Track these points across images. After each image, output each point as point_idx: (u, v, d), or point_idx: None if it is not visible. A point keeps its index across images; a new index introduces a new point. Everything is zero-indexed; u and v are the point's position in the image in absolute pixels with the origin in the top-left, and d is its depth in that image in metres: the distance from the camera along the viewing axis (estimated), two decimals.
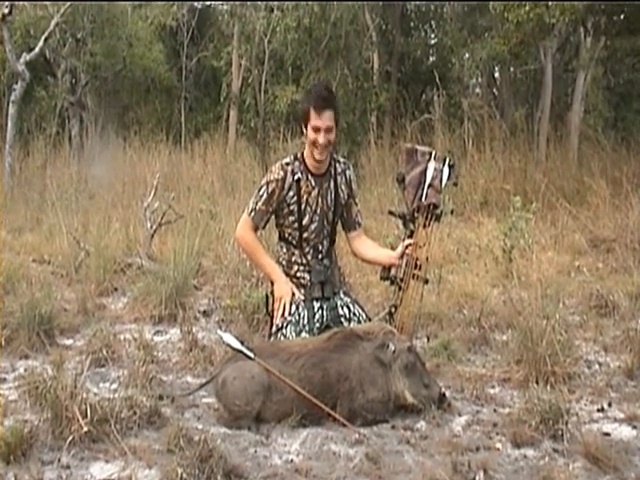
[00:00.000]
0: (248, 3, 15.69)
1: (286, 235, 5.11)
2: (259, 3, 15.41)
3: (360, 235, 5.34)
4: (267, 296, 5.21)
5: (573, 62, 16.88)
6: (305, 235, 5.06)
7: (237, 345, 4.37)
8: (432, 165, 4.96)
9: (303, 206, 5.01)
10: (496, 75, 19.37)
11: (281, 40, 14.68)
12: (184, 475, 3.30)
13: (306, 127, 4.92)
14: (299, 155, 5.06)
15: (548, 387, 4.49)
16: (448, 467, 3.52)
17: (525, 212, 7.57)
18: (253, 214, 5.03)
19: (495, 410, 4.47)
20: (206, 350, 5.31)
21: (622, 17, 13.74)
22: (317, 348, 4.31)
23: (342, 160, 5.26)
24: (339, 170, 5.15)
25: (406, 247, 5.00)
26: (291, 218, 5.04)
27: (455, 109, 18.35)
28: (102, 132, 17.25)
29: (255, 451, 3.84)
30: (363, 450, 3.83)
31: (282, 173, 4.97)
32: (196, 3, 20.93)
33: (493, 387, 4.86)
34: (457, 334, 5.65)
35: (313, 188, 5.01)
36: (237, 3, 16.32)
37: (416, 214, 4.99)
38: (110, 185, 11.69)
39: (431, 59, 20.68)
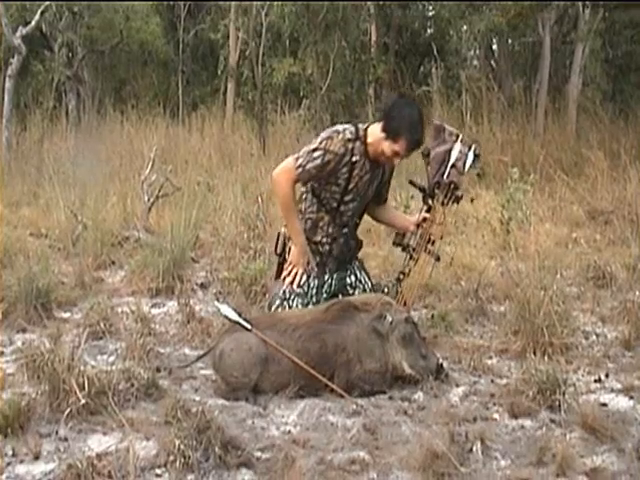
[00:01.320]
0: None
1: (322, 198, 5.00)
2: None
3: (385, 203, 5.37)
4: (278, 234, 5.15)
5: (571, 34, 16.75)
6: (342, 209, 5.01)
7: (234, 316, 4.37)
8: (458, 147, 4.97)
9: (351, 186, 4.93)
10: (494, 47, 19.26)
11: (278, 12, 14.58)
12: (181, 447, 3.31)
13: (387, 137, 4.79)
14: (361, 134, 4.90)
15: (545, 358, 4.52)
16: (445, 438, 3.52)
17: (523, 184, 7.56)
18: (300, 170, 4.84)
19: (492, 381, 4.50)
20: (203, 322, 5.32)
21: None
22: (314, 319, 4.31)
23: None
24: None
25: (423, 219, 5.03)
26: (335, 188, 4.94)
27: (453, 81, 18.26)
28: (99, 106, 17.19)
29: (253, 422, 3.86)
30: (360, 421, 3.86)
31: (343, 149, 4.83)
32: None
33: (490, 358, 4.87)
34: (455, 305, 5.65)
35: (366, 173, 4.94)
36: None
37: (436, 190, 4.98)
38: (107, 159, 11.65)
39: (429, 31, 20.56)
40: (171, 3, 20.50)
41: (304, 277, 4.94)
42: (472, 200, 5.25)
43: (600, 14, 14.67)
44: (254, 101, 14.84)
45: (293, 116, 15.08)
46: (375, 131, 4.87)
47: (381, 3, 17.40)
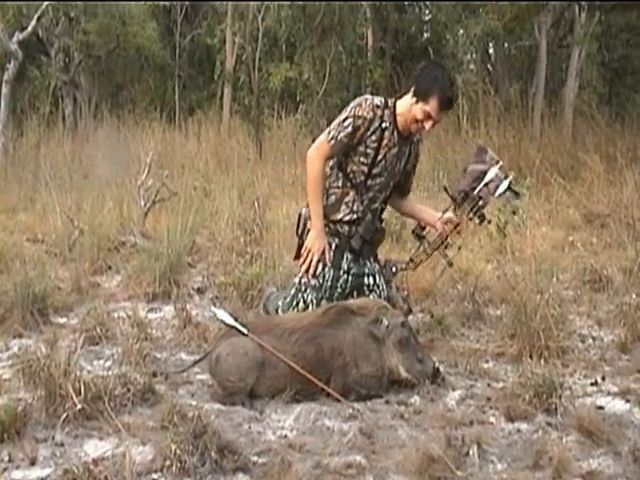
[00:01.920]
0: None
1: (350, 172, 4.97)
2: None
3: (406, 197, 5.38)
4: (300, 215, 5.13)
5: (567, 38, 16.82)
6: (369, 183, 4.97)
7: (230, 321, 4.38)
8: (495, 170, 5.01)
9: (380, 157, 4.91)
10: (490, 51, 19.30)
11: (275, 17, 14.64)
12: (178, 451, 3.31)
13: (418, 101, 4.79)
14: (391, 104, 4.93)
15: (542, 361, 4.52)
16: (442, 441, 3.52)
17: (519, 188, 7.56)
18: (333, 142, 4.85)
19: (489, 384, 4.50)
20: (200, 327, 5.31)
21: None
22: (311, 323, 4.32)
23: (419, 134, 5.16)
24: (414, 141, 5.10)
25: (448, 220, 5.06)
26: (363, 159, 4.91)
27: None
28: (96, 111, 17.18)
29: (249, 427, 3.86)
30: (357, 425, 3.86)
31: (372, 114, 4.84)
32: None
33: (487, 362, 4.88)
34: (451, 309, 5.67)
35: (394, 145, 4.93)
36: None
37: (465, 201, 5.04)
38: (104, 164, 11.65)
39: (425, 35, 20.57)
40: (167, 8, 20.52)
41: (319, 266, 4.91)
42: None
43: (596, 17, 14.73)
44: (251, 106, 14.89)
45: (290, 120, 15.11)
46: (404, 101, 4.89)
47: (377, 5, 17.42)
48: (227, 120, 16.62)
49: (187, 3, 20.09)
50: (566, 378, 4.35)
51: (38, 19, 14.28)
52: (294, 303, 4.95)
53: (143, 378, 4.20)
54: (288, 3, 14.25)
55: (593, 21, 14.70)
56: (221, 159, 12.43)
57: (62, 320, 5.66)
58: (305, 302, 4.90)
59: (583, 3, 13.97)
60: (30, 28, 14.06)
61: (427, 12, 20.52)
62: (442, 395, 4.31)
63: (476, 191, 5.00)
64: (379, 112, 4.86)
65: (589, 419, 3.81)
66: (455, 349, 5.01)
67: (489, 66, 19.28)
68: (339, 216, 4.99)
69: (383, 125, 4.86)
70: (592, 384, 4.49)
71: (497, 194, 5.03)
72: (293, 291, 4.98)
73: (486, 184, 4.99)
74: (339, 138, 4.84)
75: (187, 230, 6.85)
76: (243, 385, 4.15)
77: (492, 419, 3.99)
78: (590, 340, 5.26)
